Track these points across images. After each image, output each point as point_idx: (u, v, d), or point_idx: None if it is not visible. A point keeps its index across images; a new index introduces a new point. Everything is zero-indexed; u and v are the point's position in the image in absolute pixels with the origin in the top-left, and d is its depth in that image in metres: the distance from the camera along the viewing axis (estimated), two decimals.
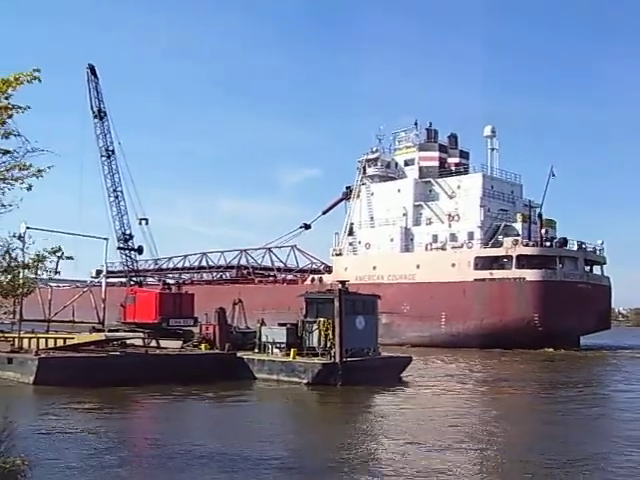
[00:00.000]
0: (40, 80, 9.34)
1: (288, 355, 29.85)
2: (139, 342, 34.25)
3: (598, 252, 64.26)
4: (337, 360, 28.57)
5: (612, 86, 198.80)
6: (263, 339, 31.79)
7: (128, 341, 33.36)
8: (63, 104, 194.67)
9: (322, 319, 29.87)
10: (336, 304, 29.31)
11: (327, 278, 67.11)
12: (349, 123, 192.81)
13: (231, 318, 35.04)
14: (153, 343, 34.53)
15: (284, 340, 30.69)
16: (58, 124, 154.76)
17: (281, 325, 32.23)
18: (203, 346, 33.30)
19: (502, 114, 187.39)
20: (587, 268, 62.57)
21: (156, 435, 18.38)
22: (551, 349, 52.07)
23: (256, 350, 31.83)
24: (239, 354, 31.53)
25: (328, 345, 29.44)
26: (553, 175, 60.50)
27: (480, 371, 38.20)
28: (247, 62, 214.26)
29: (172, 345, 34.43)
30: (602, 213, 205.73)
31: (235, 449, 15.68)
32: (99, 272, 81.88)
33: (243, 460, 14.58)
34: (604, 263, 64.69)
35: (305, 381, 28.48)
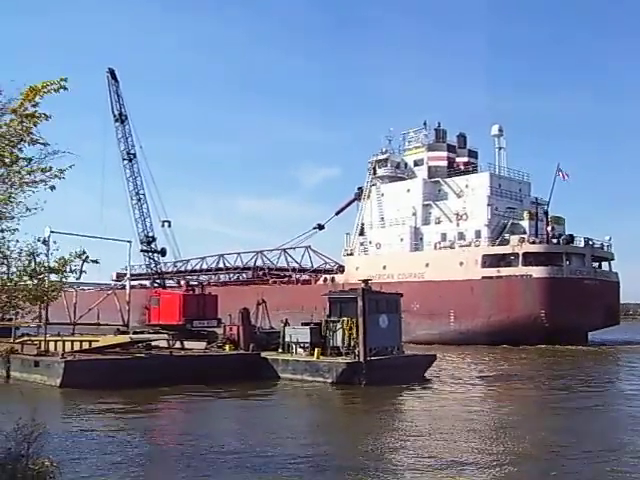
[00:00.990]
0: (67, 89, 9.43)
1: (312, 355, 29.87)
2: (164, 344, 34.44)
3: (606, 248, 64.35)
4: (361, 359, 28.55)
5: (619, 82, 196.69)
6: (287, 339, 31.85)
7: (153, 343, 33.54)
8: (85, 106, 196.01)
9: (346, 318, 29.86)
10: (359, 303, 29.29)
11: (339, 278, 69.47)
12: (367, 122, 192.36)
13: (255, 318, 35.13)
14: (177, 344, 34.70)
15: (308, 340, 30.73)
16: (80, 127, 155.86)
17: (305, 325, 32.30)
18: (227, 347, 33.39)
19: (509, 111, 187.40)
20: (596, 264, 63.05)
21: (182, 436, 18.47)
22: (558, 345, 51.86)
23: (280, 350, 31.90)
24: (263, 354, 31.59)
25: (352, 344, 29.43)
26: (559, 173, 60.93)
27: (497, 368, 37.91)
28: (266, 61, 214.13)
29: (196, 346, 34.57)
30: (612, 208, 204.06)
31: (261, 449, 15.71)
32: (119, 275, 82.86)
33: (269, 460, 14.62)
34: (612, 259, 64.92)
35: (329, 380, 28.48)
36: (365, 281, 31.88)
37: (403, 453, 15.83)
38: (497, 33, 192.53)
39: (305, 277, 78.78)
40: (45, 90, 9.28)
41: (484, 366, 39.18)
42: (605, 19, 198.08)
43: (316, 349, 29.80)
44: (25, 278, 10.36)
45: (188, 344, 34.78)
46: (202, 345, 34.68)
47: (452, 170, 70.63)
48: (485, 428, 19.40)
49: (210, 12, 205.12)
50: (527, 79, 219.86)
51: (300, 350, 31.09)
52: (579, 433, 18.79)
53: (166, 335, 35.52)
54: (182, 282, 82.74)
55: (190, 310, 37.60)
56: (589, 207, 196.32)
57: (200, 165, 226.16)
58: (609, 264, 64.82)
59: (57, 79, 9.37)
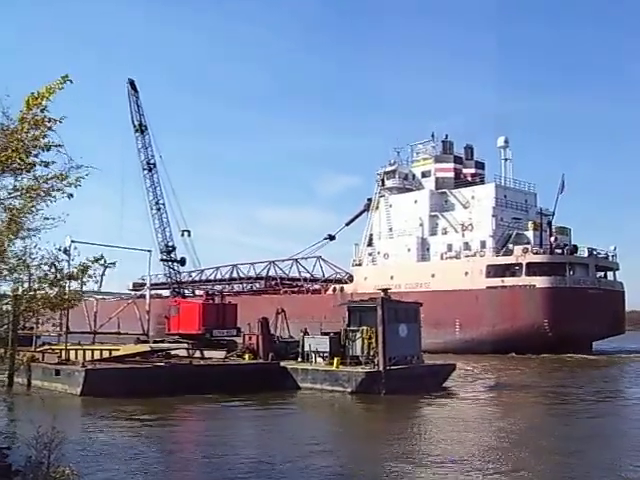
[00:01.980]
0: (72, 81, 9.47)
1: (331, 364, 29.80)
2: (183, 353, 34.51)
3: (611, 258, 64.94)
4: (380, 368, 28.46)
5: (632, 83, 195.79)
6: (306, 348, 31.80)
7: (172, 352, 33.63)
8: (107, 117, 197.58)
9: (365, 327, 29.82)
10: (379, 312, 29.20)
11: (348, 288, 70.85)
12: (387, 129, 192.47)
13: (274, 327, 35.14)
14: (197, 354, 34.74)
15: (327, 349, 30.67)
16: (102, 138, 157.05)
17: (324, 334, 32.27)
18: (247, 356, 33.37)
19: (518, 111, 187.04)
20: (601, 274, 63.61)
21: (201, 445, 18.48)
22: (562, 354, 52.21)
23: (299, 359, 31.87)
24: (282, 363, 31.55)
25: (371, 354, 29.37)
26: (563, 187, 62.18)
27: (510, 377, 37.76)
28: (290, 68, 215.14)
29: (216, 355, 34.60)
30: (621, 211, 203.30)
31: (280, 459, 15.69)
32: (136, 285, 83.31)
33: (289, 470, 14.61)
34: (617, 269, 65.43)
35: (349, 390, 28.40)
36: (384, 290, 31.84)
37: (423, 464, 15.68)
38: (507, 33, 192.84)
39: (316, 287, 79.55)
40: (50, 91, 9.34)
41: (497, 375, 39.02)
42: (615, 19, 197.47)
43: (335, 358, 29.73)
44: (45, 286, 10.44)
45: (208, 353, 34.83)
46: (222, 354, 34.69)
47: (459, 181, 71.93)
48: (507, 438, 19.22)
49: (232, 13, 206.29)
50: (536, 79, 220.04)
51: (319, 359, 31.04)
52: (604, 440, 18.64)
53: (186, 344, 35.62)
54: (197, 292, 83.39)
55: (210, 319, 37.71)
56: (597, 210, 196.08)
57: (220, 174, 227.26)
58: (614, 274, 65.14)
59: (58, 79, 9.44)
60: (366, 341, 29.61)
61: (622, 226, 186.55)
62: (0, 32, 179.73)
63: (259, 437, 19.98)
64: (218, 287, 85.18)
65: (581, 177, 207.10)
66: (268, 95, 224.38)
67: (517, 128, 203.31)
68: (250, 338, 34.56)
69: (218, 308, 39.83)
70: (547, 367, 45.10)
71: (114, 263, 11.30)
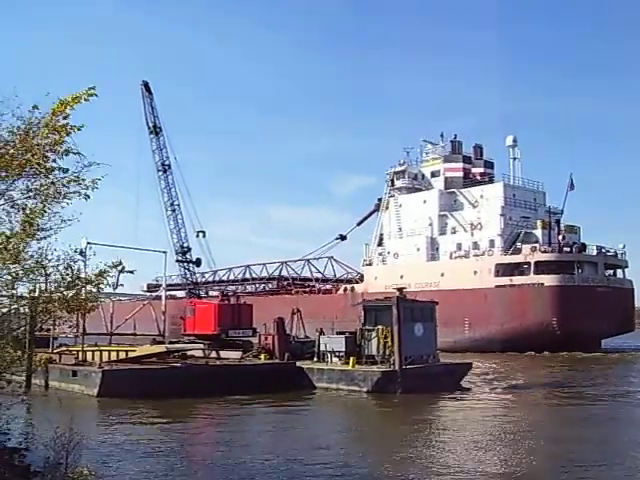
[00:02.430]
0: (97, 95, 9.59)
1: (347, 364, 29.77)
2: (199, 353, 34.59)
3: (620, 256, 65.09)
4: (396, 368, 28.41)
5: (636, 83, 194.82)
6: (322, 348, 31.78)
7: (188, 352, 33.71)
8: (121, 119, 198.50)
9: (381, 327, 29.76)
10: (394, 311, 29.16)
11: (358, 287, 71.79)
12: (401, 127, 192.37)
13: (289, 328, 35.15)
14: (213, 354, 34.81)
15: (343, 349, 30.63)
16: (116, 140, 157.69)
17: (339, 334, 32.26)
18: (263, 356, 33.40)
19: (529, 111, 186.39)
20: (610, 272, 63.91)
21: (218, 445, 18.49)
22: (571, 352, 52.50)
23: (315, 359, 31.86)
24: (298, 363, 31.56)
25: (387, 353, 29.31)
26: (572, 186, 62.93)
27: (526, 376, 37.52)
28: (306, 70, 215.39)
29: (232, 356, 34.65)
30: (634, 209, 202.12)
31: (297, 459, 15.68)
32: (150, 286, 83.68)
33: (305, 470, 14.58)
34: (626, 266, 65.68)
35: (365, 389, 28.37)
36: (400, 289, 31.77)
37: (440, 463, 15.62)
38: (509, 32, 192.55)
39: (328, 287, 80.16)
40: (75, 102, 9.44)
41: (512, 374, 38.67)
42: (619, 19, 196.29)
43: (351, 358, 29.70)
44: (62, 289, 10.49)
45: (223, 354, 34.89)
46: (237, 355, 34.73)
47: (468, 181, 72.29)
48: (524, 442, 19.13)
49: (244, 14, 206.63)
50: (541, 79, 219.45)
51: (335, 359, 31.01)
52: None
53: (202, 345, 35.69)
54: (211, 292, 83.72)
55: (225, 320, 37.73)
56: (610, 206, 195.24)
57: (233, 174, 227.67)
58: (623, 271, 65.46)
59: (85, 90, 9.54)
60: (382, 340, 29.55)
61: (635, 224, 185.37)
62: (14, 32, 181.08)
63: (275, 437, 19.97)
64: (231, 288, 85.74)
65: (593, 176, 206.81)
66: (284, 98, 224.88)
67: (528, 127, 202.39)
68: (266, 338, 34.59)
69: (234, 309, 39.85)
70: (559, 365, 44.95)
71: (132, 272, 11.34)
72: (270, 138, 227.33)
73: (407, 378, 27.98)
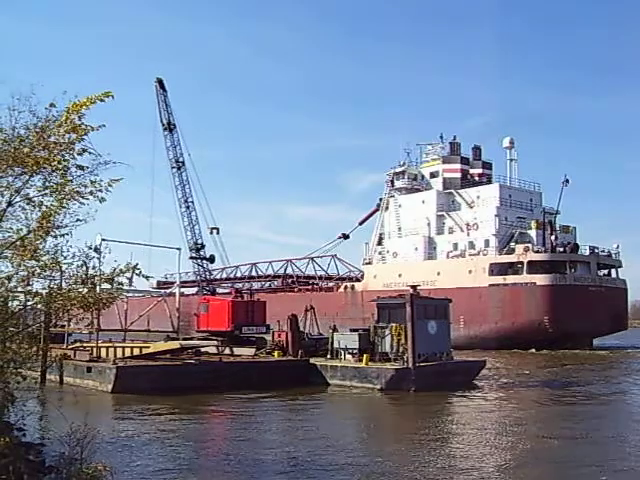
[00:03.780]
0: (113, 97, 9.65)
1: (360, 361, 29.79)
2: (213, 350, 34.68)
3: (614, 255, 66.36)
4: (410, 365, 28.40)
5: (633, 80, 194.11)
6: (335, 345, 31.82)
7: (202, 349, 33.80)
8: (137, 116, 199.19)
9: (394, 324, 29.76)
10: (408, 309, 29.15)
11: (358, 286, 73.52)
12: (417, 126, 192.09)
13: (303, 325, 35.18)
14: (227, 351, 34.90)
15: (356, 346, 30.65)
16: (131, 137, 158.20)
17: (353, 331, 32.27)
18: (276, 353, 33.47)
19: (528, 111, 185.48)
20: (605, 271, 65.45)
21: (231, 441, 18.54)
22: (564, 350, 53.69)
23: (328, 356, 31.88)
24: (312, 360, 31.60)
25: (401, 350, 29.31)
26: (567, 183, 63.29)
27: (532, 373, 37.87)
28: (321, 68, 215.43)
29: (245, 352, 34.76)
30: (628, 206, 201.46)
31: (310, 456, 15.68)
32: (160, 283, 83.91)
33: (319, 467, 14.59)
34: (619, 266, 66.69)
35: (378, 387, 28.37)
36: (413, 287, 31.74)
37: (453, 463, 15.59)
38: (506, 31, 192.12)
39: (330, 285, 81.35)
40: (90, 103, 9.51)
41: (519, 371, 38.87)
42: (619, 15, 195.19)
43: (364, 355, 29.73)
44: (78, 285, 10.54)
45: (237, 350, 34.98)
46: (251, 351, 34.83)
47: (466, 181, 73.80)
48: (538, 436, 19.09)
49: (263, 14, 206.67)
50: (539, 77, 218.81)
51: (348, 356, 31.02)
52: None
53: (215, 341, 35.77)
54: (219, 289, 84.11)
55: (239, 316, 37.81)
56: (604, 206, 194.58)
57: (249, 171, 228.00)
58: (616, 271, 66.44)
59: (101, 93, 9.62)
60: (395, 338, 29.55)
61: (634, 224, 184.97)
62: (32, 31, 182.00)
63: (288, 434, 19.98)
64: (237, 285, 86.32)
65: (593, 176, 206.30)
66: (300, 95, 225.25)
67: (532, 126, 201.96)
68: (279, 335, 34.65)
69: (247, 305, 39.91)
70: (557, 363, 45.33)
71: (148, 277, 11.40)
72: (286, 136, 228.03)
73: (420, 376, 27.98)
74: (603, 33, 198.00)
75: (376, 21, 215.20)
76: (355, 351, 30.66)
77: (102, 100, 9.68)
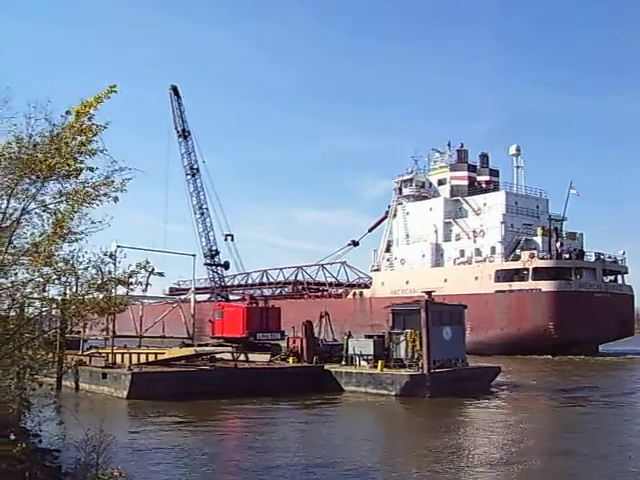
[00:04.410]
0: (117, 91, 9.70)
1: (375, 367, 29.72)
2: (228, 356, 34.67)
3: (620, 262, 66.71)
4: (425, 371, 28.31)
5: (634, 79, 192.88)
6: (350, 351, 31.74)
7: (217, 355, 33.82)
8: (152, 122, 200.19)
9: (409, 330, 29.68)
10: (422, 315, 29.07)
11: (366, 292, 74.78)
12: (431, 130, 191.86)
13: (318, 331, 35.14)
14: (242, 357, 34.90)
15: (371, 352, 30.58)
16: (147, 143, 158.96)
17: (368, 337, 32.21)
18: (291, 359, 33.44)
19: (524, 111, 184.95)
20: (612, 278, 65.72)
21: (246, 447, 18.54)
22: (569, 356, 54.53)
23: (343, 362, 31.81)
24: (326, 367, 31.56)
25: (416, 356, 29.22)
26: (571, 189, 64.81)
27: (545, 379, 38.04)
28: (331, 72, 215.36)
29: (260, 359, 34.73)
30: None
31: (325, 463, 15.63)
32: (172, 290, 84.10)
33: (334, 475, 14.56)
34: (625, 272, 66.99)
35: (393, 393, 28.28)
36: (428, 293, 31.65)
37: (467, 469, 15.53)
38: (506, 30, 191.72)
39: (339, 291, 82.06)
40: (99, 101, 9.56)
41: (528, 376, 38.95)
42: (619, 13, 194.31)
43: (379, 361, 29.66)
44: (93, 291, 10.58)
45: (252, 356, 34.96)
46: (266, 358, 34.82)
47: (473, 189, 74.32)
48: (554, 446, 18.98)
49: (274, 17, 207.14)
50: (541, 78, 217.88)
51: (363, 362, 30.94)
52: None
53: (230, 348, 35.78)
54: (230, 296, 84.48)
55: (254, 323, 37.87)
56: (620, 213, 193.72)
57: (254, 174, 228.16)
58: (622, 277, 66.67)
59: (106, 89, 9.67)
60: (410, 344, 29.46)
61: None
62: (32, 31, 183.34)
63: (303, 441, 19.97)
64: (249, 292, 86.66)
65: (603, 183, 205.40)
66: (299, 95, 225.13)
67: (540, 131, 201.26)
68: (294, 341, 34.63)
69: (262, 312, 39.97)
70: (567, 369, 45.54)
71: (162, 274, 11.45)
72: (286, 136, 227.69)
73: (435, 382, 27.88)
74: (603, 33, 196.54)
75: (376, 21, 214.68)
76: (370, 357, 30.59)
77: (108, 97, 9.73)
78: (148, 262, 10.92)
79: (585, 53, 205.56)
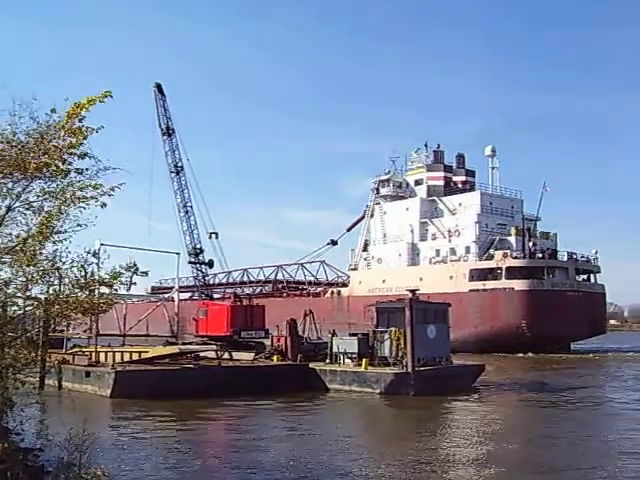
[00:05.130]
0: (112, 96, 9.66)
1: (360, 365, 29.76)
2: (212, 355, 34.61)
3: (593, 261, 68.19)
4: (409, 370, 28.39)
5: (620, 77, 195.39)
6: (335, 350, 31.76)
7: (201, 354, 33.75)
8: (137, 117, 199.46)
9: (393, 329, 29.75)
10: (407, 313, 29.15)
11: (344, 291, 75.98)
12: (424, 130, 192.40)
13: (302, 329, 35.14)
14: (226, 355, 34.83)
15: (356, 350, 30.63)
16: (131, 141, 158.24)
17: (352, 335, 32.26)
18: (275, 357, 33.41)
19: (524, 111, 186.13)
20: (585, 277, 67.35)
21: (231, 447, 18.54)
22: (538, 354, 55.33)
23: (328, 361, 31.84)
24: (311, 365, 31.57)
25: (400, 355, 29.29)
26: (544, 188, 66.08)
27: (529, 376, 38.52)
28: (324, 70, 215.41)
29: (244, 357, 34.66)
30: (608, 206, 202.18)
31: (310, 461, 15.65)
32: (154, 288, 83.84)
33: (319, 473, 14.57)
34: (598, 272, 68.35)
35: (377, 391, 28.34)
36: (413, 291, 31.77)
37: (452, 468, 15.60)
38: (493, 30, 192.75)
39: (318, 290, 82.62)
40: (90, 104, 9.52)
41: (514, 375, 39.25)
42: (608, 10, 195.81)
43: (364, 360, 29.70)
44: (77, 290, 10.54)
45: (236, 355, 34.89)
46: (250, 356, 34.74)
47: (449, 189, 75.64)
48: (537, 440, 19.08)
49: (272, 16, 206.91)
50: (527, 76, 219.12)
51: (348, 361, 30.98)
52: None
53: (214, 346, 35.72)
54: (214, 295, 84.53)
55: (238, 321, 37.79)
56: (586, 206, 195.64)
57: (249, 173, 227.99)
58: (594, 276, 68.06)
59: (101, 93, 9.63)
60: (394, 342, 29.53)
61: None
62: (32, 31, 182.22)
63: (288, 439, 19.95)
64: (229, 290, 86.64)
65: (581, 183, 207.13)
66: (300, 98, 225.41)
67: (533, 128, 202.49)
68: (279, 340, 34.59)
69: (246, 310, 39.88)
70: (544, 366, 46.27)
71: (146, 272, 11.41)
72: (285, 139, 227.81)
73: (420, 380, 27.96)
74: (603, 33, 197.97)
75: (376, 21, 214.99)
76: (354, 355, 30.64)
77: (102, 101, 9.69)
78: (135, 264, 10.90)
79: (585, 53, 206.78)
